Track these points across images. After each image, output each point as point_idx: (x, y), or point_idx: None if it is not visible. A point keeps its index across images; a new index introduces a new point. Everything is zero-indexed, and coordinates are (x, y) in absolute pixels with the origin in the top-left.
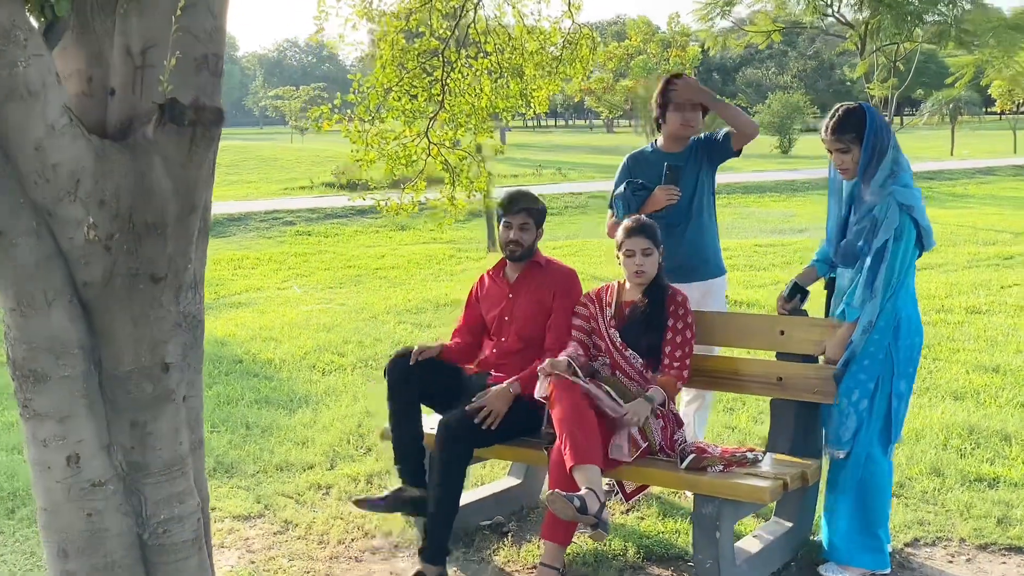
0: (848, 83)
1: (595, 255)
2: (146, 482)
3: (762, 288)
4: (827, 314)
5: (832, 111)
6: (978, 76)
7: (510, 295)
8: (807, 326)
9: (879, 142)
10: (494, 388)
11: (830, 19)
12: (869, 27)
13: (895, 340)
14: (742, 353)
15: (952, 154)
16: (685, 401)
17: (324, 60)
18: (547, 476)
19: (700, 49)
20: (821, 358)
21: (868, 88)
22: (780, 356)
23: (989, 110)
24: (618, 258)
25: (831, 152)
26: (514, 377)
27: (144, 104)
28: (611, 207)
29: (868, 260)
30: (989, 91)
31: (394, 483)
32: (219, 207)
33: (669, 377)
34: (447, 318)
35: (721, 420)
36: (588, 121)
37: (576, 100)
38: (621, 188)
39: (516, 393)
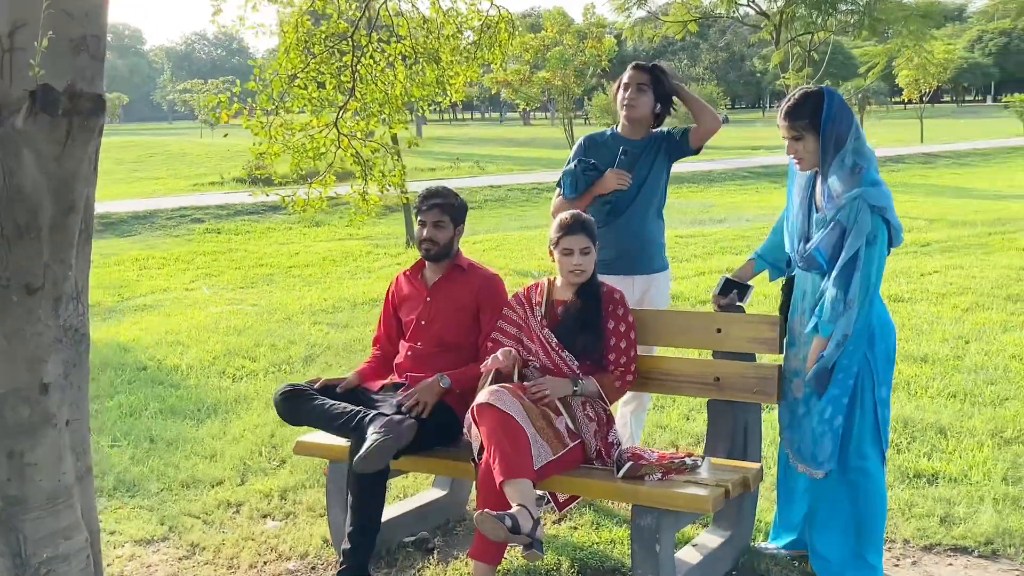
0: (759, 74)
1: (517, 249)
2: (25, 518)
3: (685, 280)
4: (785, 317)
5: (789, 94)
6: (887, 66)
7: (428, 298)
8: (745, 323)
9: (837, 130)
10: (423, 381)
11: (745, 9)
12: (784, 16)
13: (871, 348)
14: (678, 352)
15: None
16: (621, 402)
17: (234, 53)
18: (475, 489)
19: (616, 40)
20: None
21: (783, 78)
22: (717, 355)
23: (896, 100)
24: (551, 254)
25: (785, 140)
26: (446, 373)
27: (13, 91)
28: (559, 184)
29: (836, 271)
30: (896, 81)
31: (308, 496)
32: (124, 205)
33: (609, 377)
34: (365, 317)
35: (652, 419)
36: (500, 114)
37: (493, 92)
38: (572, 165)
39: (446, 388)
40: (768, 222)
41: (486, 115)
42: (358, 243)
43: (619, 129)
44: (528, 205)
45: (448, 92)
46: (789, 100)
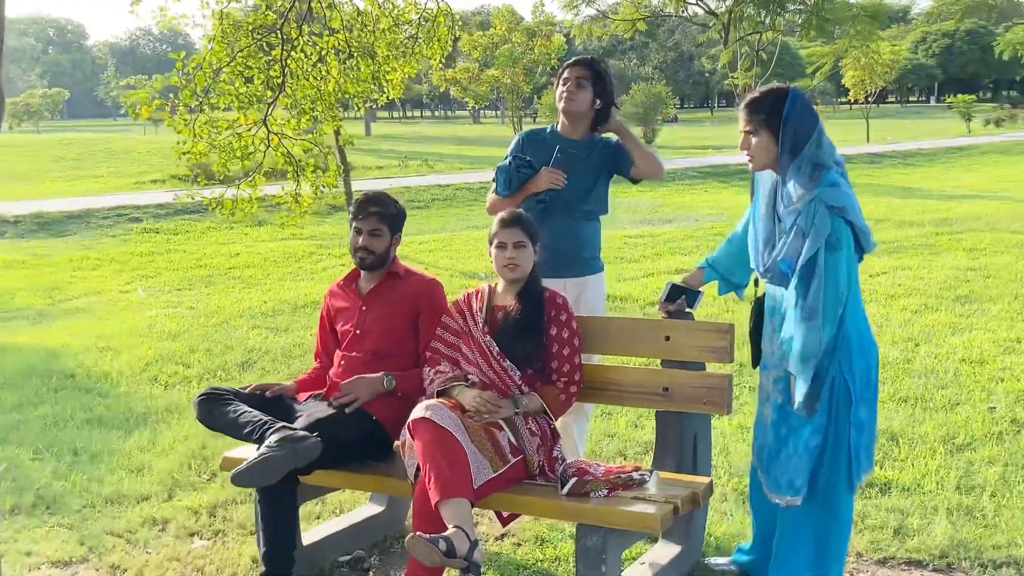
0: (707, 74)
1: (464, 249)
2: None
3: (634, 281)
4: (756, 338)
5: (755, 88)
6: (834, 66)
7: (363, 307)
8: (694, 331)
9: (795, 132)
10: (363, 375)
11: (694, 8)
12: (732, 16)
13: (848, 364)
14: (624, 361)
15: None
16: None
17: (180, 48)
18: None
19: (565, 39)
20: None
21: (732, 77)
22: (665, 364)
23: (842, 100)
24: (491, 254)
25: (741, 133)
26: (391, 374)
27: None
28: (494, 180)
29: (794, 279)
30: (843, 81)
31: (239, 513)
32: (58, 204)
33: (553, 389)
34: (306, 321)
35: (598, 427)
36: (446, 113)
37: (442, 90)
38: (507, 161)
39: (390, 389)
40: (717, 222)
41: (436, 113)
42: (301, 243)
43: (559, 127)
44: (476, 204)
45: (385, 89)
46: (754, 93)
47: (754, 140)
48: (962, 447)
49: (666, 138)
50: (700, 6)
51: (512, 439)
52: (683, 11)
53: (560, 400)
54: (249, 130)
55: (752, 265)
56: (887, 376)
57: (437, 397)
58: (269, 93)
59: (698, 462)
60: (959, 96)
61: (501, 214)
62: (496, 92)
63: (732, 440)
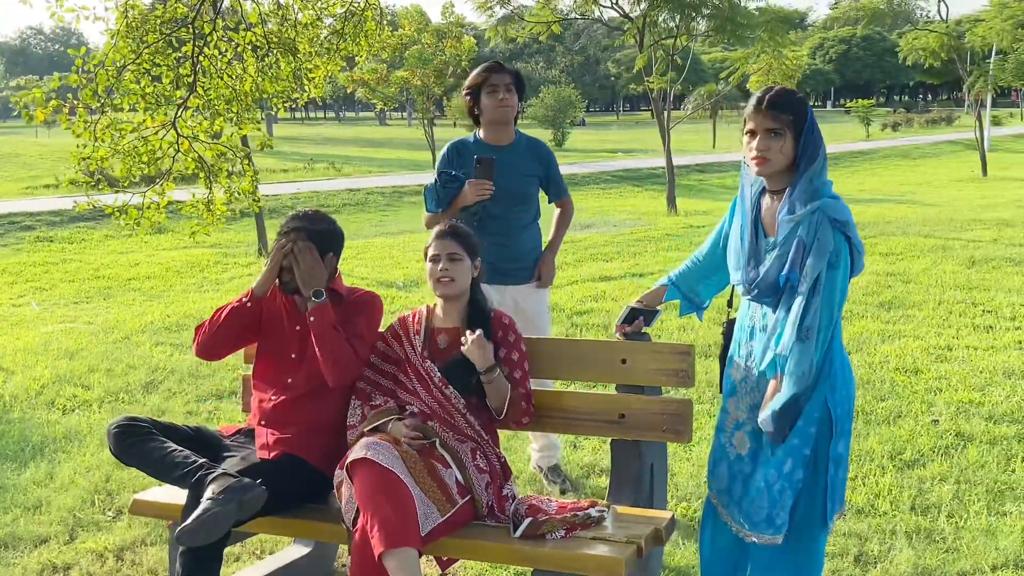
0: (613, 78)
1: (379, 257)
2: None
3: (559, 290)
4: (724, 361)
5: (762, 89)
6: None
7: (297, 327)
8: (652, 353)
9: (814, 143)
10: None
11: (608, 11)
12: (647, 20)
13: (832, 393)
14: (578, 386)
15: (714, 147)
16: (535, 449)
17: (75, 48)
18: (347, 550)
19: (475, 40)
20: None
21: (648, 81)
22: (621, 389)
23: (742, 105)
24: (427, 271)
25: (753, 134)
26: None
27: None
28: (424, 198)
29: (802, 296)
30: (748, 86)
31: (149, 556)
32: None
33: (518, 395)
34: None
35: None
36: (350, 114)
37: (348, 91)
38: (432, 180)
39: (320, 302)
40: (636, 227)
41: (340, 115)
42: (205, 252)
43: (481, 135)
44: (389, 210)
45: (306, 87)
46: (767, 91)
47: (780, 142)
48: (911, 463)
49: (575, 141)
50: (615, 9)
51: (459, 477)
52: (597, 12)
53: (521, 408)
54: (156, 133)
55: (733, 281)
56: None
57: (364, 435)
58: (179, 93)
59: (655, 494)
60: (858, 101)
61: (437, 227)
62: (405, 94)
63: (673, 460)
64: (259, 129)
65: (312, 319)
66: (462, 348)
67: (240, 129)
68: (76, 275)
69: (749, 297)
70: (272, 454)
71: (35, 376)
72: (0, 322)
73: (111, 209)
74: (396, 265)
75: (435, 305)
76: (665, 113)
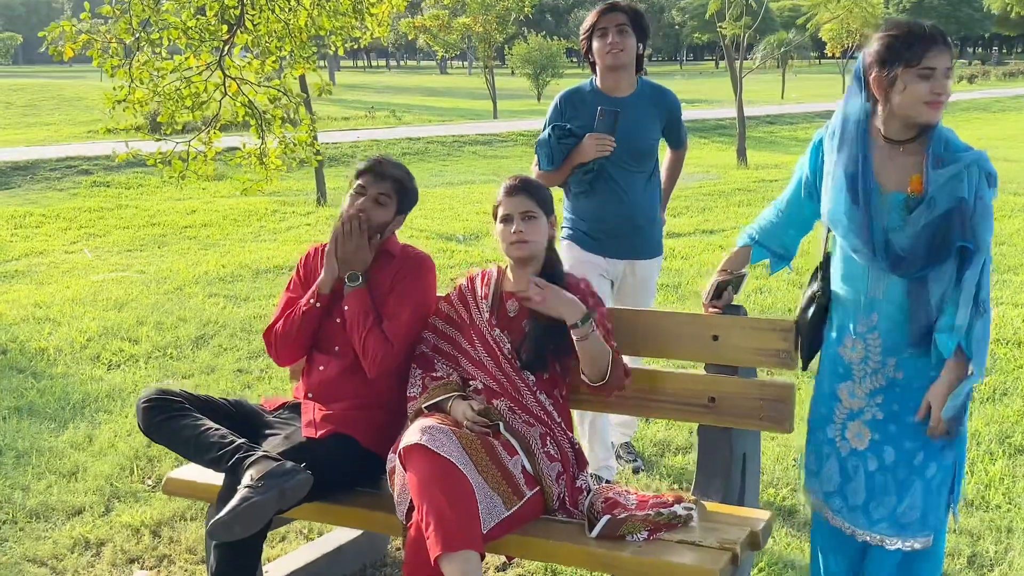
0: (677, 26)
1: (439, 208)
2: None
3: None
4: (810, 351)
5: (931, 28)
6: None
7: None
8: (749, 329)
9: None
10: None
11: None
12: None
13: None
14: (661, 364)
15: (783, 98)
16: (612, 423)
17: None
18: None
19: None
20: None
21: (720, 27)
22: (711, 368)
23: (814, 55)
24: (495, 231)
25: (928, 76)
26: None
27: None
28: (536, 155)
29: (976, 266)
30: (820, 35)
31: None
32: (3, 153)
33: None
34: (268, 288)
35: None
36: (409, 62)
37: (410, 38)
38: (545, 133)
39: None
40: (705, 181)
41: (401, 63)
42: (263, 200)
43: (597, 82)
44: (449, 159)
45: (368, 24)
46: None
47: (946, 83)
48: (1021, 449)
49: None
50: None
51: (527, 465)
52: None
53: (622, 370)
54: (200, 74)
55: (851, 247)
56: None
57: (428, 412)
58: (225, 28)
59: (746, 488)
60: None
61: (505, 181)
62: (466, 41)
63: None
64: (316, 71)
65: (346, 307)
66: (535, 304)
67: (294, 70)
68: (131, 222)
69: (887, 267)
70: (319, 432)
71: (82, 328)
72: (51, 269)
73: (153, 160)
74: (456, 217)
75: (506, 267)
76: (737, 62)
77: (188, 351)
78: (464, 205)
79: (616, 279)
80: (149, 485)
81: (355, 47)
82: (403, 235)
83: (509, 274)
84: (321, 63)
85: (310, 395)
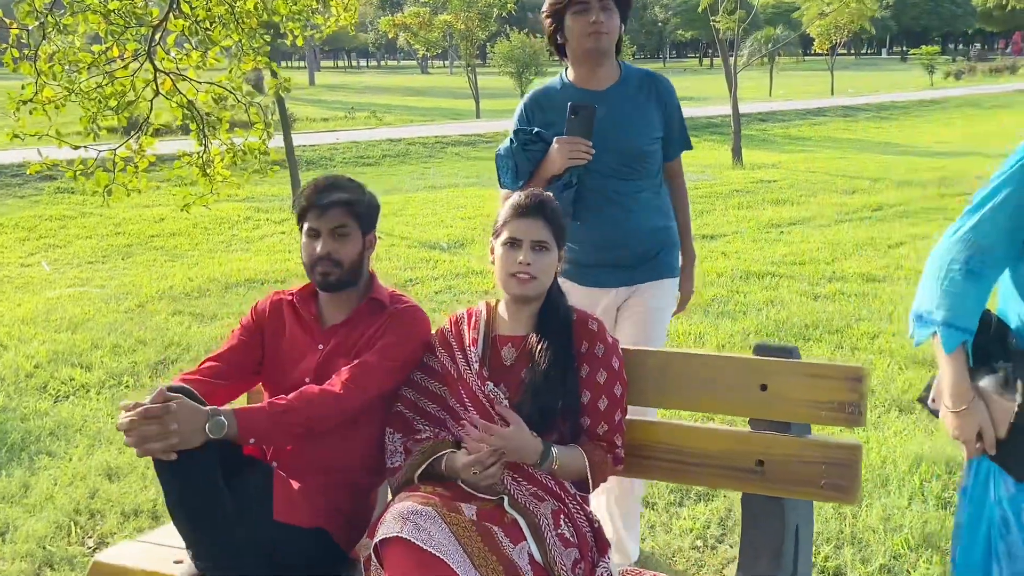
0: (660, 23)
1: (421, 213)
2: None
3: None
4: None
5: None
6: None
7: (320, 345)
8: (806, 376)
9: None
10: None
11: None
12: None
13: None
14: (692, 417)
15: (771, 95)
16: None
17: None
18: None
19: None
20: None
21: (714, 22)
22: (757, 425)
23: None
24: (491, 254)
25: None
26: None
27: None
28: (497, 170)
29: None
30: (807, 31)
31: None
32: None
33: (597, 448)
34: (238, 305)
35: None
36: (389, 62)
37: (390, 36)
38: (506, 142)
39: (218, 436)
40: (700, 181)
41: (381, 63)
42: (236, 206)
43: (568, 76)
44: (431, 161)
45: (333, 8)
46: None
47: None
48: None
49: None
50: None
51: (536, 552)
52: None
53: (607, 462)
54: (126, 67)
55: None
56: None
57: (413, 482)
58: (155, 11)
59: (799, 566)
60: (923, 48)
61: (517, 197)
62: (448, 39)
63: None
64: (268, 64)
65: (252, 441)
66: (485, 441)
67: (243, 64)
68: (95, 231)
69: None
70: (295, 519)
71: (29, 353)
72: (3, 285)
73: (72, 172)
74: (440, 223)
75: (496, 303)
76: (732, 58)
77: (146, 378)
78: (448, 210)
79: (612, 312)
80: (88, 548)
81: (318, 36)
82: (383, 244)
83: (502, 313)
84: (300, 62)
85: (274, 463)
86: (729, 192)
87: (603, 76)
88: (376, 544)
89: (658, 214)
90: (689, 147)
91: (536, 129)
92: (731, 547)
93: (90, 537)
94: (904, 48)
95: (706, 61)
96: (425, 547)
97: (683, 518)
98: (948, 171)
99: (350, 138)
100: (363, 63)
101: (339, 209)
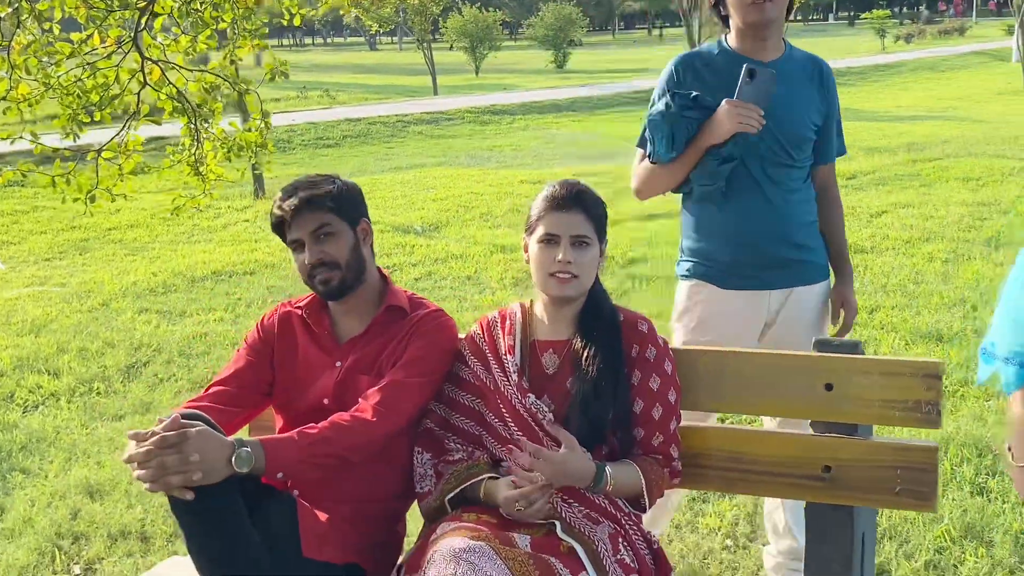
0: None
1: (389, 196)
2: None
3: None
4: None
5: None
6: None
7: (338, 363)
8: (875, 373)
9: None
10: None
11: None
12: None
13: None
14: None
15: None
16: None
17: None
18: None
19: None
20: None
21: None
22: (819, 427)
23: None
24: (525, 252)
25: None
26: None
27: None
28: (643, 142)
29: None
30: None
31: None
32: None
33: (652, 463)
34: (208, 301)
35: None
36: (345, 38)
37: (341, 13)
38: (660, 104)
39: (242, 471)
40: None
41: (328, 40)
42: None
43: (730, 42)
44: (394, 141)
45: None
46: None
47: None
48: None
49: (577, 62)
50: None
51: None
52: None
53: (664, 477)
54: (109, 57)
55: None
56: (964, 358)
57: (445, 510)
58: None
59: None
60: (874, 12)
61: (551, 188)
62: (401, 15)
63: None
64: (264, 47)
65: (279, 476)
66: (536, 468)
67: (238, 49)
68: (49, 225)
69: None
70: (327, 555)
71: None
72: None
73: (48, 180)
74: (411, 206)
75: (531, 304)
76: (696, 23)
77: (118, 384)
78: (417, 192)
79: (769, 316)
80: (75, 574)
81: (313, 14)
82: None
83: (539, 315)
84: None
85: (295, 492)
86: None
87: (770, 48)
88: None
89: (811, 208)
90: (845, 152)
91: (695, 93)
92: (764, 546)
93: (76, 564)
94: (851, 13)
95: (655, 32)
96: None
97: (709, 515)
98: (915, 136)
99: (306, 119)
100: (308, 40)
101: (312, 210)
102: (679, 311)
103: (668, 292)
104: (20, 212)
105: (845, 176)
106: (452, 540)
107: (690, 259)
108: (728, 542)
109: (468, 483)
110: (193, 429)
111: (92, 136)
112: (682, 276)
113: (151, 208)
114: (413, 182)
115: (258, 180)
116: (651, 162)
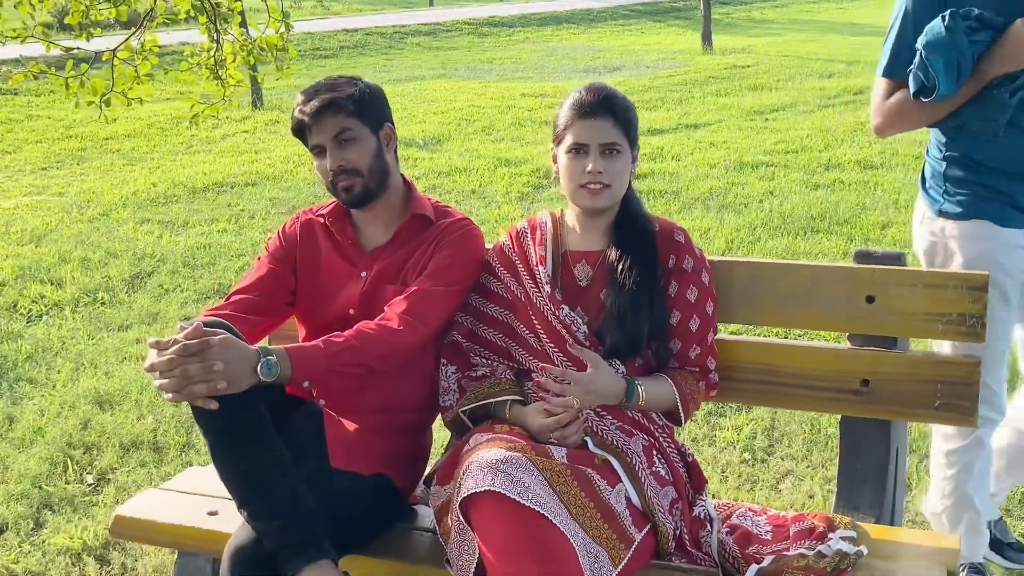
0: None
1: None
2: None
3: None
4: None
5: None
6: None
7: (363, 272)
8: (919, 286)
9: None
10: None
11: None
12: None
13: None
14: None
15: None
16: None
17: None
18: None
19: None
20: None
21: None
22: (857, 340)
23: None
24: (554, 163)
25: None
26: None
27: None
28: (887, 70)
29: None
30: None
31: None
32: None
33: (687, 375)
34: (209, 211)
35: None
36: None
37: None
38: (940, 23)
39: (269, 380)
40: (672, 68)
41: None
42: (191, 103)
43: None
44: (392, 52)
45: None
46: None
47: None
48: None
49: None
50: None
51: (634, 496)
52: None
53: (699, 390)
54: None
55: None
56: None
57: (464, 425)
58: None
59: (896, 500)
60: None
61: (578, 94)
62: None
63: None
64: None
65: (305, 384)
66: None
67: None
68: (44, 135)
69: None
70: (355, 466)
71: None
72: None
73: (62, 81)
74: (411, 119)
75: (562, 213)
76: None
77: (122, 294)
78: (417, 104)
79: None
80: (88, 486)
81: None
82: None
83: (571, 224)
84: None
85: (321, 402)
86: (705, 79)
87: None
88: (458, 504)
89: None
90: None
91: (977, 11)
92: (782, 460)
93: (88, 473)
94: None
95: None
96: (526, 503)
97: (725, 428)
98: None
99: (301, 28)
100: None
101: (334, 114)
102: (944, 252)
103: (674, 207)
104: (14, 120)
105: (851, 92)
106: (488, 451)
107: (965, 193)
108: (746, 455)
109: (487, 401)
110: (216, 337)
111: (105, 43)
112: (953, 213)
113: (147, 117)
114: (412, 94)
115: (256, 90)
116: (924, 99)
